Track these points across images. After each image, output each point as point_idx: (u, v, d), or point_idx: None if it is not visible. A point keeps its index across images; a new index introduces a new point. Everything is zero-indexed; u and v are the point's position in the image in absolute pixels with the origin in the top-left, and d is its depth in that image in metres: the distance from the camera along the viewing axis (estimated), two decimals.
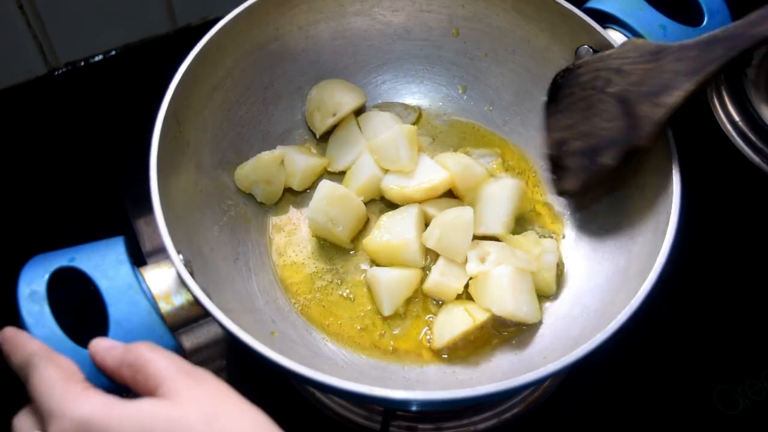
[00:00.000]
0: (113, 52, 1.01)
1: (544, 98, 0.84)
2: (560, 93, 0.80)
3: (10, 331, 0.56)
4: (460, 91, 0.93)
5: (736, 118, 1.01)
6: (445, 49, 0.91)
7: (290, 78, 0.88)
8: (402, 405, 0.74)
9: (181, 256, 0.62)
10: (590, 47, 0.80)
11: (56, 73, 0.99)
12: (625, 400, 0.85)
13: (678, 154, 0.71)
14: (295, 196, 0.87)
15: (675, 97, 0.66)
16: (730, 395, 0.85)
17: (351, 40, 0.90)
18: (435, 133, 0.92)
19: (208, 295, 0.61)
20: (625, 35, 0.81)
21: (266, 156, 0.82)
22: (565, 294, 0.79)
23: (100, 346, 0.55)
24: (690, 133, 0.75)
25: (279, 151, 0.84)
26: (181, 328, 0.64)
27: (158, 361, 0.52)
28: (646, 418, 0.84)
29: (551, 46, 0.84)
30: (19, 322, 0.58)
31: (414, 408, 0.77)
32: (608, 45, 0.77)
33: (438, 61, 0.93)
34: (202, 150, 0.79)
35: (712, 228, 0.95)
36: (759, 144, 0.98)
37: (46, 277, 0.60)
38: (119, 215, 0.96)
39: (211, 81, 0.79)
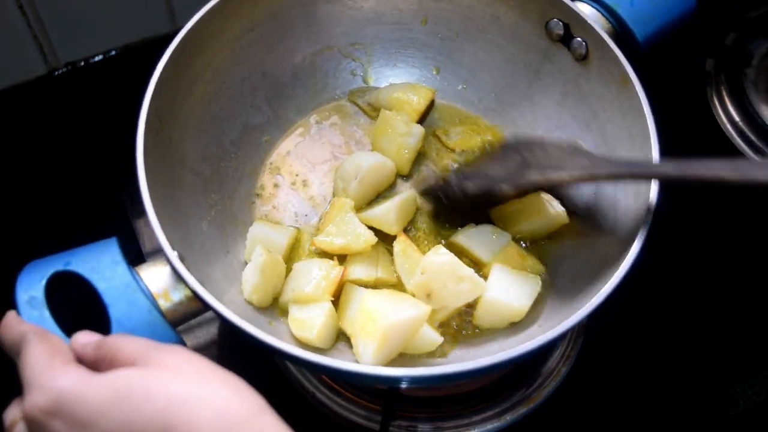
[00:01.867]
0: (113, 52, 1.01)
1: (516, 75, 0.86)
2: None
3: (8, 314, 0.58)
4: (434, 73, 0.93)
5: (736, 118, 1.01)
6: (416, 31, 0.92)
7: (266, 68, 0.88)
8: (396, 382, 0.73)
9: (176, 252, 0.62)
10: (560, 20, 0.80)
11: (56, 73, 0.99)
12: (625, 400, 0.85)
13: (678, 154, 0.70)
14: (278, 187, 0.87)
15: (557, 175, 0.73)
16: (730, 395, 0.85)
17: (324, 27, 0.90)
18: None
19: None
20: (594, 8, 0.82)
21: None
22: (559, 283, 0.78)
23: (77, 342, 0.55)
24: (690, 133, 0.76)
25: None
26: (182, 324, 0.64)
27: (127, 346, 0.53)
28: (646, 418, 0.84)
29: (521, 22, 0.85)
30: None
31: (404, 385, 0.77)
32: (578, 17, 0.78)
33: (410, 44, 0.93)
34: (184, 145, 0.78)
35: (712, 228, 0.95)
36: (759, 144, 0.99)
37: (43, 282, 0.60)
38: (119, 215, 0.96)
39: (189, 75, 0.79)
